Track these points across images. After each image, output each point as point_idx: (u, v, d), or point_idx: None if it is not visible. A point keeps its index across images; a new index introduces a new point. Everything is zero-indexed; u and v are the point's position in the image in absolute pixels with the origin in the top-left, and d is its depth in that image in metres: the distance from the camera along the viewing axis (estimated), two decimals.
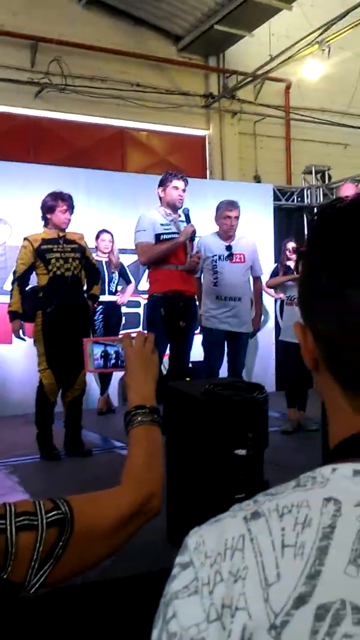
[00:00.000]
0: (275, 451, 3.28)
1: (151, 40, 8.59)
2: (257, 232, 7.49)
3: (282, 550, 0.54)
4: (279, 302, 6.80)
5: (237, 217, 4.87)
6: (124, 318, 6.18)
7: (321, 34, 7.37)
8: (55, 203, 4.22)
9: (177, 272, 4.41)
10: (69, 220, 4.29)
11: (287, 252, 5.91)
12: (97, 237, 6.06)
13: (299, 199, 8.31)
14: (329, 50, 7.67)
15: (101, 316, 5.93)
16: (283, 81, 9.25)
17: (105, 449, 4.56)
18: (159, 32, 8.64)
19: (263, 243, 7.25)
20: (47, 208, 4.25)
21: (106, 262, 5.94)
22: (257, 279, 5.11)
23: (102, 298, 5.92)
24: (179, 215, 4.54)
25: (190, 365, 6.11)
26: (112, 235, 6.01)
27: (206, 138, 9.10)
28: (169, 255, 4.39)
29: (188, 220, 4.47)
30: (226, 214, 4.86)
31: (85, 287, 4.49)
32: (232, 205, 4.89)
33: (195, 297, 4.66)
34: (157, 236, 4.42)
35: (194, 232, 4.43)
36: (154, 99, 8.50)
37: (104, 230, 5.97)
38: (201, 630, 0.54)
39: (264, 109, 9.23)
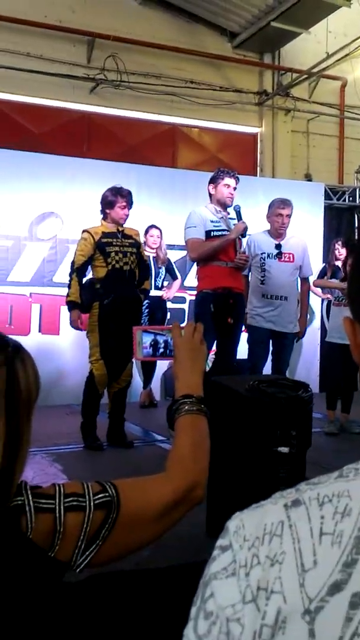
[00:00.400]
0: (318, 452, 3.26)
1: (206, 37, 8.59)
2: (306, 231, 7.43)
3: (320, 538, 0.55)
4: (325, 303, 6.73)
5: (289, 216, 4.85)
6: (169, 313, 6.22)
7: None
8: (115, 199, 4.29)
9: (227, 269, 4.42)
10: (127, 216, 4.36)
11: (336, 252, 5.85)
12: (146, 232, 6.11)
13: (350, 199, 8.20)
14: None
15: (147, 310, 5.97)
16: (338, 79, 9.14)
17: (146, 441, 4.61)
18: (214, 29, 8.63)
19: (312, 242, 7.18)
20: (107, 203, 4.32)
21: (154, 257, 5.98)
22: (305, 280, 5.08)
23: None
24: (228, 213, 4.54)
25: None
26: (160, 231, 6.05)
27: (258, 135, 9.06)
28: (219, 252, 4.40)
29: (239, 217, 4.47)
30: (278, 211, 4.84)
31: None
32: (284, 203, 4.87)
33: (243, 294, 4.64)
34: (207, 233, 4.43)
35: (245, 229, 4.44)
36: (207, 96, 8.50)
37: (152, 226, 6.01)
38: (237, 611, 0.56)
39: (318, 107, 9.14)
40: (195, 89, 8.43)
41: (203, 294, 4.46)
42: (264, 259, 4.83)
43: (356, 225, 8.27)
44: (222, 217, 4.51)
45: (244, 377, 3.26)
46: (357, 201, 8.15)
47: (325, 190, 7.88)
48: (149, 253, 6.05)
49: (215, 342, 4.52)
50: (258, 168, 9.05)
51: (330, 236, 7.35)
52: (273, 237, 4.88)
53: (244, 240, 4.61)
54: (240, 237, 4.47)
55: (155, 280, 6.05)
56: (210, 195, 4.60)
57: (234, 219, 4.49)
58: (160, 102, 8.29)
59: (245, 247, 4.63)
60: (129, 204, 4.33)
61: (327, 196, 7.91)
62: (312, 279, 5.36)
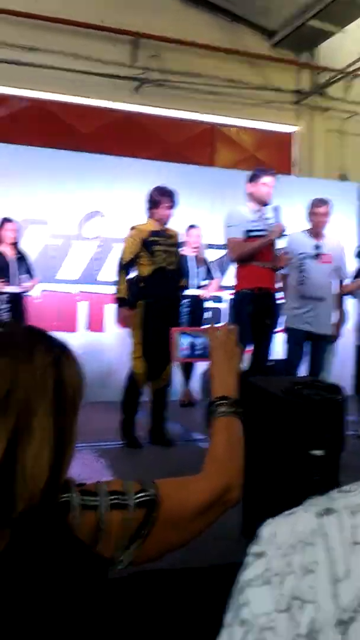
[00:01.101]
0: (353, 455, 3.32)
1: (245, 36, 8.65)
2: (339, 231, 7.47)
3: (352, 548, 0.55)
4: None
5: (325, 214, 4.90)
6: (207, 313, 6.32)
7: None
8: (160, 198, 4.37)
9: (264, 270, 4.49)
10: (171, 216, 4.44)
11: None
12: (187, 231, 6.22)
13: None
14: None
15: (187, 310, 6.10)
16: None
17: (186, 440, 4.71)
18: (253, 28, 8.69)
19: (345, 244, 7.22)
20: (153, 202, 4.40)
21: (194, 256, 6.09)
22: (341, 282, 5.13)
23: (189, 292, 6.13)
24: (264, 213, 4.59)
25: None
26: (200, 230, 6.14)
27: (294, 134, 9.10)
28: (257, 252, 4.47)
29: (278, 217, 4.52)
30: (315, 210, 4.92)
31: None
32: (321, 201, 4.94)
33: (280, 294, 4.72)
34: (246, 232, 4.49)
35: (283, 230, 4.50)
36: (245, 95, 8.57)
37: (192, 226, 6.13)
38: (271, 620, 0.56)
39: (354, 106, 9.13)
40: (234, 87, 8.51)
41: (242, 294, 4.52)
42: (303, 260, 4.90)
43: None
44: (260, 217, 4.57)
45: (279, 379, 3.36)
46: None
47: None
48: (188, 252, 6.18)
49: (252, 342, 4.62)
50: (294, 167, 9.09)
51: None
52: (312, 236, 4.94)
53: (283, 240, 4.66)
54: (280, 237, 4.54)
55: (196, 280, 6.17)
56: (248, 194, 4.64)
57: (269, 218, 4.54)
58: (200, 101, 8.38)
59: (286, 245, 4.69)
60: (174, 204, 4.41)
61: None
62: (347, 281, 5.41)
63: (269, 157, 8.95)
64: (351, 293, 5.70)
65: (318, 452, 2.62)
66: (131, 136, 8.14)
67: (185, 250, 6.20)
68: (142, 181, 6.73)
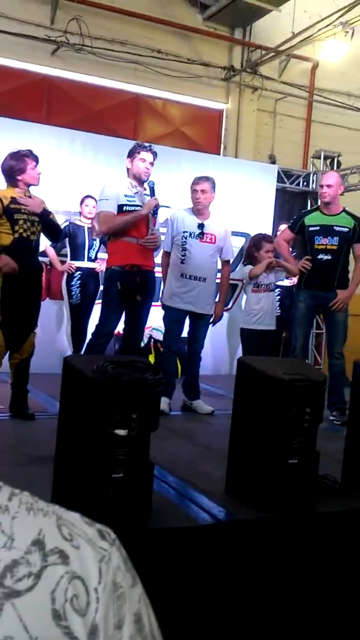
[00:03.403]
0: None
1: (177, 7, 8.45)
2: (256, 212, 7.44)
3: None
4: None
5: (204, 191, 4.76)
6: (102, 286, 6.19)
7: (344, 14, 7.15)
8: (23, 163, 4.13)
9: (137, 246, 4.37)
10: (40, 173, 4.24)
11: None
12: (82, 202, 6.06)
13: (304, 184, 8.15)
14: (353, 33, 7.45)
15: (78, 282, 5.96)
16: (309, 60, 9.03)
17: (51, 415, 4.56)
18: None
19: (262, 224, 7.19)
20: (16, 170, 4.16)
21: (88, 228, 5.94)
22: (225, 263, 5.05)
23: (81, 264, 6.00)
24: (145, 189, 4.48)
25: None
26: (96, 201, 5.98)
27: (224, 112, 8.95)
28: (130, 227, 4.35)
29: (153, 193, 4.42)
30: (193, 187, 4.80)
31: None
32: (199, 179, 4.83)
33: (154, 271, 4.61)
34: (120, 207, 4.37)
35: (157, 205, 4.38)
36: (174, 67, 8.39)
37: (88, 196, 5.96)
38: None
39: (287, 87, 9.04)
40: (162, 59, 8.32)
41: (112, 271, 4.41)
42: (186, 238, 4.79)
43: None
44: (137, 192, 4.44)
45: (100, 358, 3.26)
46: (310, 187, 8.10)
47: (279, 173, 7.83)
48: (83, 224, 6.03)
49: (124, 320, 4.53)
50: (222, 145, 8.97)
51: (282, 219, 7.35)
52: (195, 214, 4.85)
53: (157, 218, 4.55)
54: (153, 214, 4.42)
55: (89, 252, 6.03)
56: (127, 169, 4.52)
57: (149, 194, 4.43)
58: (125, 69, 8.17)
59: (157, 225, 4.59)
60: (37, 162, 4.22)
61: (281, 179, 7.86)
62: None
63: (197, 133, 8.79)
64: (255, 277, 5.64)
65: (121, 432, 2.54)
66: (49, 100, 7.88)
67: (80, 221, 6.06)
68: (58, 149, 6.58)
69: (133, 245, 4.38)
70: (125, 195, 4.40)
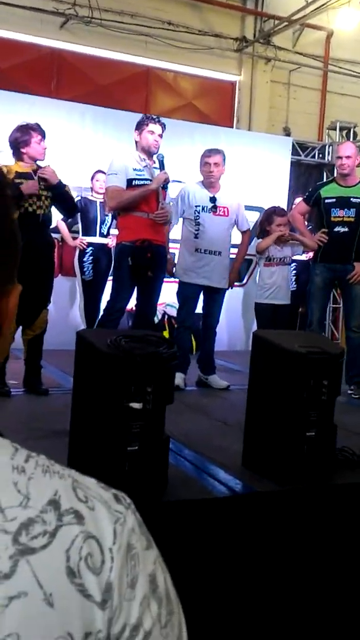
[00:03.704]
0: None
1: None
2: (271, 185, 7.33)
3: None
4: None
5: (217, 164, 4.69)
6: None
7: None
8: (28, 135, 4.08)
9: (147, 220, 4.30)
10: (45, 149, 4.17)
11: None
12: (92, 177, 6.00)
13: (320, 156, 8.02)
14: None
15: (90, 258, 5.92)
16: (323, 30, 8.83)
17: (64, 389, 4.56)
18: None
19: (277, 197, 7.09)
20: (21, 142, 4.10)
21: (100, 203, 5.87)
22: (244, 233, 4.98)
23: (93, 240, 5.95)
24: (154, 162, 4.41)
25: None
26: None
27: (236, 84, 8.80)
28: (140, 202, 4.28)
29: (162, 167, 4.34)
30: (205, 160, 4.71)
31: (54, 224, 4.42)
32: (210, 151, 4.75)
33: (165, 246, 4.55)
34: (129, 181, 4.30)
35: (167, 179, 4.31)
36: (185, 39, 8.23)
37: (99, 171, 5.88)
38: None
39: (301, 58, 8.85)
40: (172, 31, 8.17)
41: (122, 247, 4.35)
42: (199, 212, 4.72)
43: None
44: (146, 166, 4.36)
45: (114, 332, 3.23)
46: (326, 159, 7.97)
47: (294, 145, 7.70)
48: (95, 199, 5.97)
49: (136, 296, 4.48)
50: (235, 118, 8.83)
51: (297, 192, 7.24)
52: (206, 188, 4.77)
53: (167, 191, 4.48)
54: (163, 188, 4.35)
55: (101, 227, 5.97)
56: (135, 142, 4.45)
57: (159, 168, 4.36)
58: (135, 42, 8.04)
59: (168, 199, 4.52)
60: (43, 137, 4.14)
61: (296, 152, 7.73)
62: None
63: (209, 106, 8.66)
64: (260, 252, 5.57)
65: (136, 405, 2.51)
66: (57, 74, 7.78)
67: (92, 196, 6.00)
68: (67, 123, 6.50)
69: (143, 220, 4.31)
70: (134, 169, 4.32)
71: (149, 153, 4.38)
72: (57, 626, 0.52)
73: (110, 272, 5.68)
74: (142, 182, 4.30)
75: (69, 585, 0.54)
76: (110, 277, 5.38)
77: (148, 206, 4.31)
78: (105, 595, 0.55)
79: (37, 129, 4.13)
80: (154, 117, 4.51)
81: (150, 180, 4.31)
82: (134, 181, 4.30)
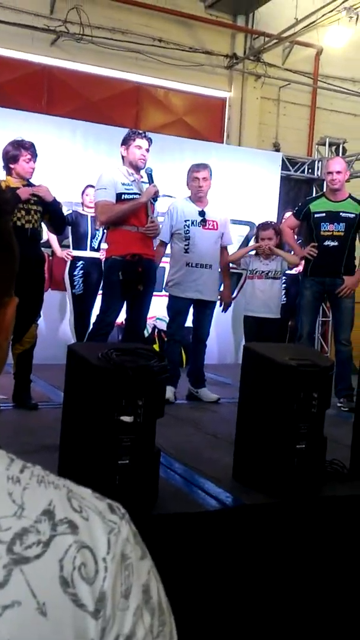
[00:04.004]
0: None
1: None
2: (261, 200, 7.38)
3: None
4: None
5: (205, 179, 4.74)
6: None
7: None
8: (18, 152, 4.10)
9: (137, 234, 4.32)
10: (33, 169, 4.19)
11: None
12: (83, 192, 6.03)
13: (309, 171, 8.09)
14: (357, 18, 7.37)
15: (81, 272, 5.93)
16: (313, 47, 8.95)
17: (54, 404, 4.55)
18: None
19: (267, 212, 7.14)
20: (10, 157, 4.13)
21: (92, 217, 5.90)
22: (224, 249, 5.01)
23: (83, 254, 5.97)
24: (142, 176, 4.44)
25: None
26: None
27: (227, 100, 8.89)
28: (130, 215, 4.30)
29: (151, 180, 4.37)
30: (194, 175, 4.76)
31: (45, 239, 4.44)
32: (199, 166, 4.79)
33: (155, 260, 4.56)
34: (118, 196, 4.32)
35: (156, 192, 4.34)
36: (176, 56, 8.32)
37: (89, 186, 5.90)
38: None
39: (291, 74, 8.96)
40: (163, 48, 8.25)
41: (112, 261, 4.37)
42: (188, 227, 4.76)
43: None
44: (134, 180, 4.40)
45: (105, 345, 3.24)
46: (315, 174, 8.04)
47: (283, 161, 7.77)
48: (86, 213, 5.99)
49: (126, 310, 4.50)
50: (225, 134, 8.91)
51: (287, 207, 7.30)
52: (194, 202, 4.81)
53: (167, 206, 4.50)
54: (152, 201, 4.37)
55: (92, 242, 5.99)
56: (122, 157, 4.47)
57: (147, 182, 4.38)
58: (126, 59, 8.12)
59: (156, 213, 4.54)
60: (34, 157, 4.16)
61: (285, 167, 7.80)
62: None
63: (199, 122, 8.74)
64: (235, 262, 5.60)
65: (127, 419, 2.52)
66: (49, 90, 7.83)
67: (83, 211, 6.03)
68: (58, 138, 6.54)
69: (133, 234, 4.33)
70: (123, 184, 4.35)
71: (136, 167, 4.41)
72: (50, 635, 0.52)
73: (101, 286, 5.71)
74: (130, 197, 4.33)
75: (62, 594, 0.54)
76: (101, 291, 5.41)
77: (138, 220, 4.34)
78: (98, 605, 0.55)
79: (29, 148, 4.14)
80: (140, 132, 4.55)
81: (139, 194, 4.33)
82: (122, 195, 4.32)
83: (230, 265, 5.30)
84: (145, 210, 4.34)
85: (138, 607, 0.58)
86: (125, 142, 4.43)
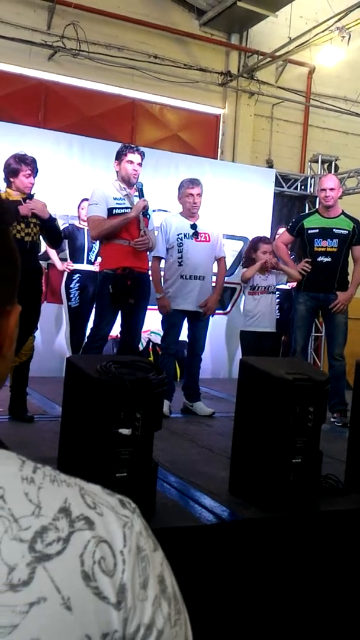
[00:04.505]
0: None
1: (173, 12, 8.47)
2: (254, 216, 7.45)
3: None
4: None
5: (199, 195, 4.80)
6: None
7: (340, 19, 7.18)
8: (19, 166, 4.13)
9: (128, 248, 4.36)
10: (32, 184, 4.23)
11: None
12: (79, 205, 6.07)
13: (302, 187, 8.17)
14: (349, 38, 7.48)
15: (77, 285, 5.96)
16: (306, 65, 9.07)
17: (50, 416, 4.55)
18: (182, 5, 8.52)
19: (260, 228, 7.20)
20: (11, 171, 4.17)
21: (88, 230, 5.92)
22: (220, 260, 5.05)
23: (80, 267, 5.99)
24: (134, 190, 4.47)
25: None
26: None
27: (221, 117, 8.97)
28: (121, 230, 4.34)
29: (142, 195, 4.41)
30: (188, 192, 4.80)
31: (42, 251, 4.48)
32: (193, 182, 4.84)
33: (148, 273, 4.58)
34: (110, 210, 4.37)
35: (145, 207, 4.37)
36: (171, 73, 8.40)
37: (85, 199, 5.92)
38: None
39: (284, 92, 9.07)
40: (158, 64, 8.33)
41: (104, 274, 4.42)
42: (181, 239, 4.79)
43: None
44: (126, 195, 4.43)
45: (103, 357, 3.26)
46: (308, 190, 8.12)
47: (277, 177, 7.85)
48: (82, 226, 6.03)
49: (121, 323, 4.53)
50: (219, 150, 8.99)
51: (280, 223, 7.37)
52: (186, 217, 4.85)
53: (148, 218, 4.52)
54: (147, 215, 4.40)
55: (88, 255, 6.02)
56: (116, 172, 4.51)
57: (139, 196, 4.42)
58: (122, 75, 8.18)
59: (152, 227, 4.57)
60: (34, 172, 4.19)
61: (279, 183, 7.88)
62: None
63: (194, 138, 8.81)
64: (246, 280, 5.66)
65: (125, 431, 2.53)
66: (45, 105, 7.89)
67: (80, 224, 6.06)
68: (54, 153, 6.59)
69: (124, 248, 4.37)
70: (115, 198, 4.40)
71: (129, 182, 4.45)
72: (76, 629, 0.54)
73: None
74: (122, 211, 4.37)
75: (85, 588, 0.56)
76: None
77: (129, 234, 4.37)
78: (119, 597, 0.57)
79: (30, 163, 4.17)
80: (133, 146, 4.59)
81: (131, 209, 4.37)
82: (114, 210, 4.37)
83: (225, 279, 5.31)
84: (137, 224, 4.38)
85: (156, 597, 0.60)
86: (118, 157, 4.48)
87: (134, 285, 4.34)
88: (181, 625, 0.62)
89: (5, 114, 7.10)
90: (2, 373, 0.69)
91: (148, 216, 4.46)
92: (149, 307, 4.70)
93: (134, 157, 4.42)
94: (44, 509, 0.57)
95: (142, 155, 4.48)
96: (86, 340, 4.70)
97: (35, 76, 7.81)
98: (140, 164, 4.45)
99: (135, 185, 4.46)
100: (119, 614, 0.57)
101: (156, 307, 4.98)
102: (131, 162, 4.41)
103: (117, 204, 4.38)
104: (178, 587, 0.64)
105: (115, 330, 4.75)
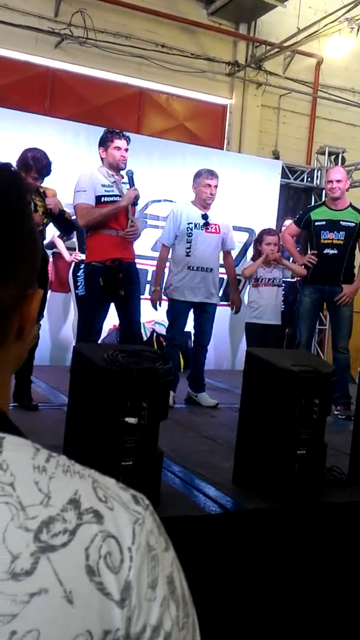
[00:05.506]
0: None
1: (181, 1, 8.42)
2: (260, 208, 7.42)
3: None
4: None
5: (216, 187, 4.76)
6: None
7: (349, 10, 7.14)
8: (29, 168, 4.06)
9: (117, 238, 4.29)
10: (37, 187, 4.17)
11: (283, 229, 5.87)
12: None
13: (308, 179, 8.14)
14: (358, 29, 7.43)
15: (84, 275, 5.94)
16: (314, 57, 9.01)
17: (53, 405, 4.57)
18: None
19: (266, 220, 7.17)
20: (22, 166, 4.12)
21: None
22: (228, 253, 5.04)
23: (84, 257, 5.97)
24: (122, 177, 4.40)
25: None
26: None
27: (227, 107, 8.93)
28: (109, 219, 4.26)
29: (132, 183, 4.33)
30: (207, 182, 4.74)
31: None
32: (212, 174, 4.79)
33: (135, 262, 4.51)
34: (98, 198, 4.27)
35: (137, 196, 4.30)
36: (178, 62, 8.36)
37: None
38: None
39: (291, 83, 9.02)
40: (166, 53, 8.29)
41: (92, 267, 4.32)
42: (191, 229, 4.76)
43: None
44: (114, 182, 4.35)
45: (110, 346, 3.26)
46: (315, 182, 8.09)
47: (283, 169, 7.81)
48: None
49: (118, 315, 4.49)
50: (225, 140, 8.95)
51: (286, 215, 7.34)
52: (199, 207, 4.83)
53: (137, 208, 4.47)
54: (132, 204, 4.33)
55: None
56: (101, 158, 4.41)
57: (127, 183, 4.35)
58: (129, 63, 8.15)
59: (136, 217, 4.48)
60: (42, 177, 4.05)
61: (285, 175, 7.84)
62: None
63: (200, 128, 8.78)
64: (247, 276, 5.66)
65: (131, 420, 2.54)
66: (52, 93, 7.86)
67: None
68: (61, 141, 6.56)
69: (113, 238, 4.29)
70: (103, 185, 4.30)
71: (117, 168, 4.37)
72: (76, 623, 0.53)
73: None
74: (111, 199, 4.28)
75: (88, 583, 0.54)
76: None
77: (118, 223, 4.30)
78: (123, 594, 0.56)
79: (41, 169, 4.06)
80: (117, 131, 4.46)
81: (119, 196, 4.29)
82: (102, 198, 4.28)
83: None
84: (125, 213, 4.31)
85: (165, 598, 0.58)
86: (103, 143, 4.38)
87: (125, 277, 4.28)
88: (189, 629, 0.61)
89: (12, 102, 7.07)
90: (22, 356, 0.70)
91: (136, 205, 4.40)
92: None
93: (121, 142, 4.32)
94: (53, 499, 0.56)
95: (128, 140, 4.38)
96: (80, 334, 4.62)
97: (42, 64, 7.78)
98: (127, 149, 4.36)
99: (125, 173, 4.36)
100: (122, 612, 0.55)
101: (145, 296, 4.93)
102: (118, 148, 4.31)
103: (105, 191, 4.28)
104: (188, 589, 0.63)
105: (115, 320, 4.71)
